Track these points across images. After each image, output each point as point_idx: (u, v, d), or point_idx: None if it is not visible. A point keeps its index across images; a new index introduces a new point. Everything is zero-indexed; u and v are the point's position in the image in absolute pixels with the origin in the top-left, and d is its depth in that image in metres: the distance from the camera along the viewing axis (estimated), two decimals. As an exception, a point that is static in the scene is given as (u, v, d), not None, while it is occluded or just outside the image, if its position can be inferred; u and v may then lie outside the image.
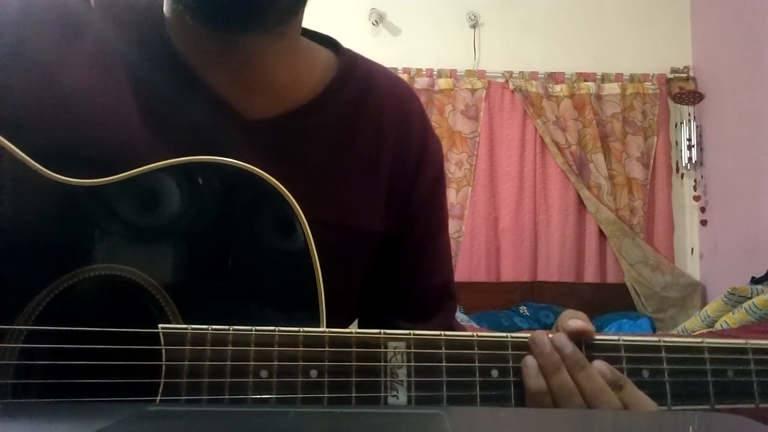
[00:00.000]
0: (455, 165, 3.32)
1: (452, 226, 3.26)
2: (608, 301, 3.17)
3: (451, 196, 3.30)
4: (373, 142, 0.63)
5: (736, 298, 2.46)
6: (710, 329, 2.51)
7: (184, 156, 0.49)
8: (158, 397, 0.42)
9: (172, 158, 0.49)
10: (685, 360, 0.47)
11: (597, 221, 3.32)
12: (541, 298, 3.18)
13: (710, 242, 3.30)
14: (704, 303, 3.13)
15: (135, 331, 0.43)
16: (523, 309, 3.08)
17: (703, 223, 3.34)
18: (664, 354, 0.47)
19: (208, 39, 0.55)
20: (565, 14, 3.50)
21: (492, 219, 3.35)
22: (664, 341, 0.47)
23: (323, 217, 0.50)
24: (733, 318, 2.41)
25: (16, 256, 0.46)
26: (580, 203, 3.35)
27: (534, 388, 0.45)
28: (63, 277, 0.46)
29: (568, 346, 0.46)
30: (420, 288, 0.67)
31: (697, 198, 3.36)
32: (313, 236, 0.48)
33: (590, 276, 3.32)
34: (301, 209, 0.49)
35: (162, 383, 0.42)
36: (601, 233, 3.34)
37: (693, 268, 3.40)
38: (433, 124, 3.01)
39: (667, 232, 3.40)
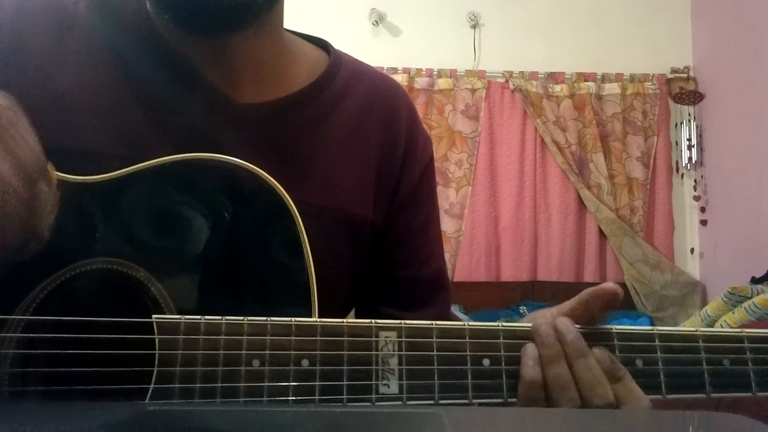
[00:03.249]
0: (455, 164, 3.32)
1: (452, 225, 3.26)
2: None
3: (451, 195, 3.30)
4: (359, 135, 0.64)
5: (736, 298, 2.45)
6: (710, 329, 2.51)
7: (180, 147, 0.50)
8: (151, 385, 0.43)
9: (167, 149, 0.50)
10: (680, 349, 0.47)
11: (597, 221, 3.32)
12: (541, 298, 3.18)
13: (710, 242, 3.30)
14: (704, 302, 3.12)
15: (129, 321, 0.44)
16: (522, 309, 3.08)
17: (703, 222, 3.34)
18: (657, 342, 0.47)
19: (192, 39, 0.57)
20: (565, 14, 3.50)
21: (492, 218, 3.35)
22: (658, 330, 0.47)
23: (313, 202, 0.51)
24: (733, 318, 2.40)
25: None
26: (580, 203, 3.35)
27: (529, 378, 0.45)
28: (61, 269, 0.46)
29: (571, 332, 0.46)
30: (412, 279, 0.68)
31: (697, 198, 3.36)
32: (303, 222, 0.49)
33: (590, 275, 3.31)
34: (292, 194, 0.49)
35: (155, 371, 0.43)
36: (601, 233, 3.34)
37: (693, 268, 3.39)
38: (433, 124, 2.99)
39: (667, 232, 3.39)
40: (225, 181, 0.50)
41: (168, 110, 0.57)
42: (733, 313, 2.43)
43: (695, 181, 3.38)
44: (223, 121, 0.58)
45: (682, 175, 3.46)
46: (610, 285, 0.47)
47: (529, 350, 0.46)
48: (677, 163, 3.44)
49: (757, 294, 2.40)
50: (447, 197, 3.28)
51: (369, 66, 0.71)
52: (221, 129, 0.57)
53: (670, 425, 0.39)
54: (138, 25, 0.58)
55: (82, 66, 0.56)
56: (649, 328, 0.47)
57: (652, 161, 3.40)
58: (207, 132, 0.57)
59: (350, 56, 0.70)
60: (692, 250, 3.41)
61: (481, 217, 3.33)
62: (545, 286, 3.26)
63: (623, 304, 3.18)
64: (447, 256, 3.03)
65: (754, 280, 2.63)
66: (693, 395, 0.47)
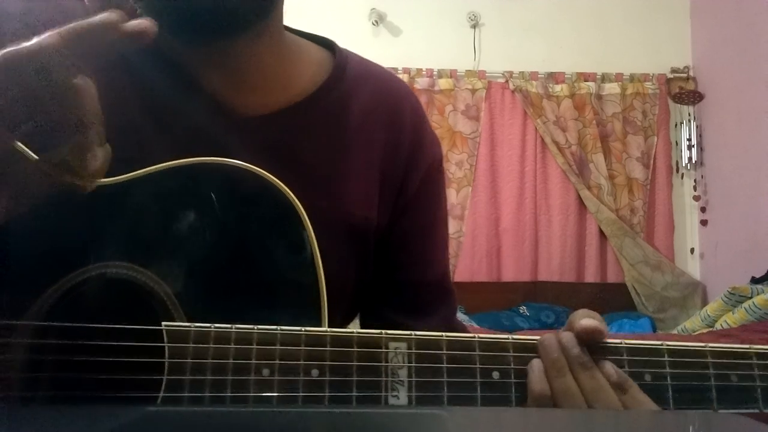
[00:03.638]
0: (456, 165, 3.32)
1: (453, 226, 3.26)
2: (609, 300, 3.17)
3: (452, 196, 3.30)
4: (363, 139, 0.64)
5: (736, 298, 2.46)
6: (710, 329, 2.51)
7: (181, 155, 0.50)
8: (161, 394, 0.43)
9: (168, 158, 0.49)
10: (688, 364, 0.47)
11: (597, 221, 3.32)
12: (542, 298, 3.19)
13: (710, 242, 3.30)
14: (704, 303, 3.13)
15: (139, 328, 0.44)
16: (523, 309, 3.08)
17: (703, 223, 3.34)
18: (666, 358, 0.47)
19: (194, 45, 0.56)
20: (565, 14, 3.50)
21: (493, 219, 3.35)
22: (667, 345, 0.47)
23: (317, 210, 0.50)
24: (734, 318, 2.41)
25: (24, 254, 0.46)
26: (581, 203, 3.35)
27: (537, 391, 0.45)
28: (69, 275, 0.46)
29: (575, 347, 0.46)
30: (415, 281, 0.68)
31: (697, 198, 3.36)
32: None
33: (591, 276, 3.32)
34: (296, 197, 0.49)
35: (165, 380, 0.43)
36: (602, 233, 3.34)
37: (693, 268, 3.40)
38: (433, 124, 2.98)
39: (668, 232, 3.40)
40: (232, 185, 0.50)
41: (170, 117, 0.57)
42: (733, 313, 2.44)
43: (695, 181, 3.38)
44: (224, 131, 0.57)
45: (682, 175, 3.46)
46: (591, 324, 0.47)
47: (536, 364, 0.46)
48: (677, 163, 3.44)
49: (757, 294, 2.40)
50: (447, 198, 3.26)
51: (375, 65, 0.70)
52: (224, 140, 0.56)
53: (672, 425, 0.39)
54: None
55: None
56: (658, 342, 0.47)
57: (652, 161, 3.40)
58: (209, 135, 0.56)
59: (356, 55, 0.68)
60: (692, 251, 3.41)
61: (482, 218, 3.33)
62: (546, 287, 3.26)
63: (624, 305, 3.19)
64: (447, 256, 3.02)
65: (754, 280, 2.64)
66: (700, 410, 0.47)
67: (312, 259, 0.49)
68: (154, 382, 0.43)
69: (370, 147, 0.64)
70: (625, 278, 3.30)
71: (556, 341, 0.46)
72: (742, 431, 0.35)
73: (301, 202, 0.49)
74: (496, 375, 0.45)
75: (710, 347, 0.47)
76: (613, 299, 3.20)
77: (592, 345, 0.47)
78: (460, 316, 2.88)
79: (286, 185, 0.49)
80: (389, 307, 0.67)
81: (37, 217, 0.47)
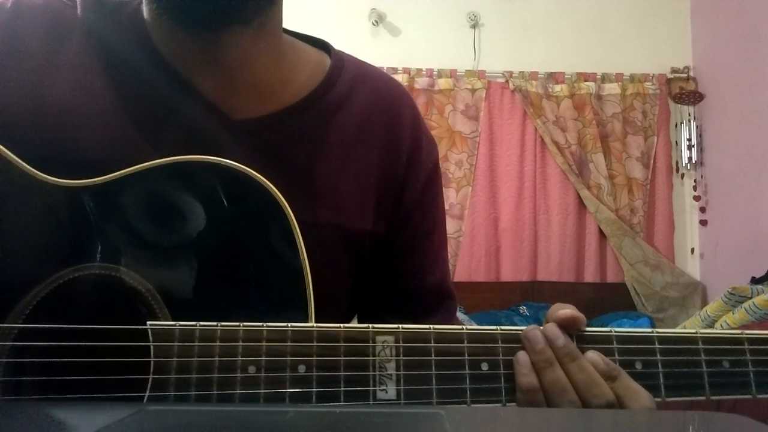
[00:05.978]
0: (455, 165, 3.32)
1: (452, 225, 3.25)
2: (608, 300, 3.16)
3: (451, 195, 3.29)
4: (360, 143, 0.63)
5: (736, 298, 2.45)
6: (710, 329, 2.51)
7: (172, 157, 0.49)
8: (146, 393, 0.42)
9: (159, 159, 0.49)
10: (679, 351, 0.47)
11: (597, 221, 3.31)
12: (541, 298, 3.18)
13: (710, 242, 3.30)
14: (704, 303, 3.12)
15: (124, 328, 0.43)
16: (522, 309, 3.08)
17: (703, 223, 3.33)
18: (657, 345, 0.47)
19: (189, 41, 0.56)
20: (565, 14, 3.49)
21: (492, 219, 3.34)
22: (657, 332, 0.47)
23: (309, 216, 0.50)
24: (733, 318, 2.40)
25: (6, 255, 0.46)
26: (580, 203, 3.34)
27: (526, 385, 0.45)
28: (52, 276, 0.46)
29: (561, 338, 0.46)
30: (417, 287, 0.67)
31: (697, 198, 3.36)
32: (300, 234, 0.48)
33: (590, 276, 3.31)
34: (290, 206, 0.48)
35: (150, 379, 0.42)
36: (601, 233, 3.33)
37: (693, 268, 3.39)
38: (433, 124, 2.98)
39: (667, 232, 3.39)
40: (218, 183, 0.49)
41: (163, 119, 0.56)
42: (733, 313, 2.42)
43: (695, 181, 3.37)
44: (218, 136, 0.57)
45: (682, 175, 3.45)
46: (570, 312, 0.47)
47: (521, 358, 0.46)
48: (677, 163, 3.44)
49: (758, 294, 2.39)
50: (447, 198, 3.27)
51: (372, 67, 0.69)
52: (215, 143, 0.56)
53: (670, 426, 0.39)
54: (133, 35, 0.57)
55: (76, 73, 0.56)
56: (649, 330, 0.47)
57: (652, 161, 3.40)
58: (203, 137, 0.56)
59: (352, 57, 0.68)
60: (692, 251, 3.40)
61: (481, 217, 3.33)
62: (545, 287, 3.25)
63: (624, 305, 3.18)
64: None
65: (754, 280, 2.63)
66: (693, 398, 0.47)
67: (298, 256, 0.48)
68: (140, 381, 0.43)
69: (368, 153, 0.63)
70: (625, 278, 3.29)
71: (540, 333, 0.46)
72: (742, 431, 0.35)
73: (292, 206, 0.49)
74: (485, 367, 0.45)
75: (701, 333, 0.47)
76: (612, 299, 3.19)
77: (581, 335, 0.47)
78: (461, 315, 2.87)
79: (278, 188, 0.49)
80: (389, 312, 0.66)
81: (20, 220, 0.47)
